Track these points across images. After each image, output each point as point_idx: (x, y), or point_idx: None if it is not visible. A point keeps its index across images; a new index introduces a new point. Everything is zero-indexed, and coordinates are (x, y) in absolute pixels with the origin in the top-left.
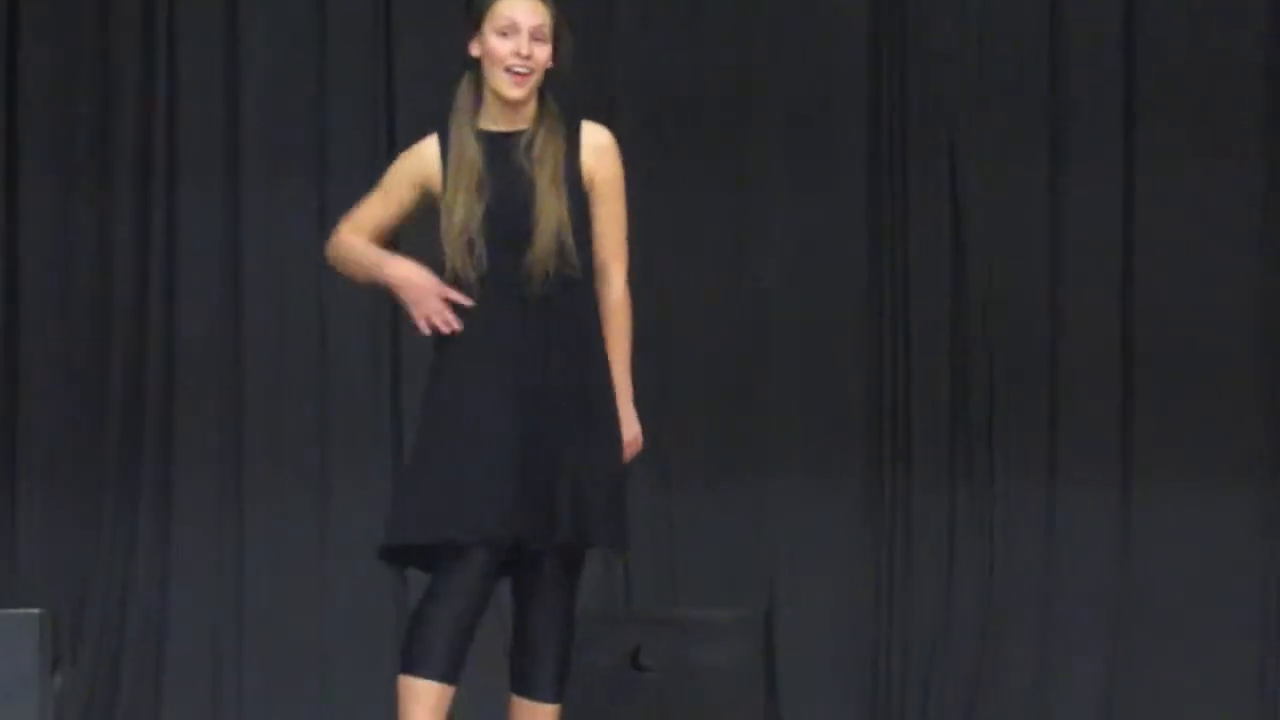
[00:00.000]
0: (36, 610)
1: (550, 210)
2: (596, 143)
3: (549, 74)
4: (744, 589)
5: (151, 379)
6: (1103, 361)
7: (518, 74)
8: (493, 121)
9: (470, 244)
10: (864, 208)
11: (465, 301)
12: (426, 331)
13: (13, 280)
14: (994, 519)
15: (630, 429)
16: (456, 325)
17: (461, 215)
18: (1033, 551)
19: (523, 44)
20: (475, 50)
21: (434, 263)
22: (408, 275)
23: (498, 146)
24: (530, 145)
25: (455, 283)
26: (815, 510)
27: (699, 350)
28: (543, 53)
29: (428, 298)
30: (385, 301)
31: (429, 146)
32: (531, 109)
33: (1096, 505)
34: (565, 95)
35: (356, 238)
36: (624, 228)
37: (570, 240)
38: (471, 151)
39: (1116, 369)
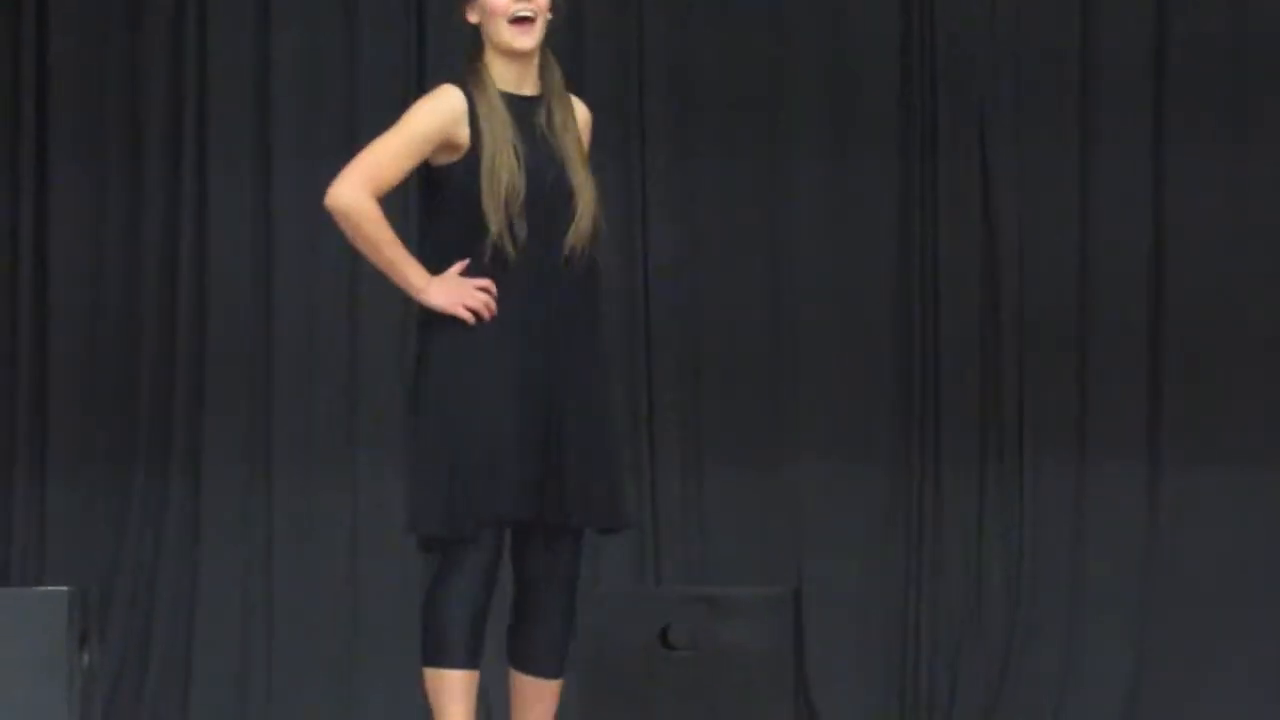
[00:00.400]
0: (65, 588)
1: (587, 189)
2: (584, 120)
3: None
4: (773, 569)
5: (181, 359)
6: (1132, 343)
7: (523, 19)
8: (506, 85)
9: (512, 214)
10: (895, 192)
11: (491, 289)
12: (471, 320)
13: (44, 264)
14: (1023, 500)
15: None
16: (494, 307)
17: (508, 180)
18: (1062, 533)
19: None
20: (473, 16)
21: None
22: (442, 299)
23: (518, 111)
24: (551, 114)
25: (494, 251)
26: (845, 491)
27: (730, 333)
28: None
29: (464, 295)
30: None
31: (455, 99)
32: (537, 67)
33: (1125, 487)
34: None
35: (382, 223)
36: None
37: (602, 220)
38: (501, 112)
39: (1146, 351)
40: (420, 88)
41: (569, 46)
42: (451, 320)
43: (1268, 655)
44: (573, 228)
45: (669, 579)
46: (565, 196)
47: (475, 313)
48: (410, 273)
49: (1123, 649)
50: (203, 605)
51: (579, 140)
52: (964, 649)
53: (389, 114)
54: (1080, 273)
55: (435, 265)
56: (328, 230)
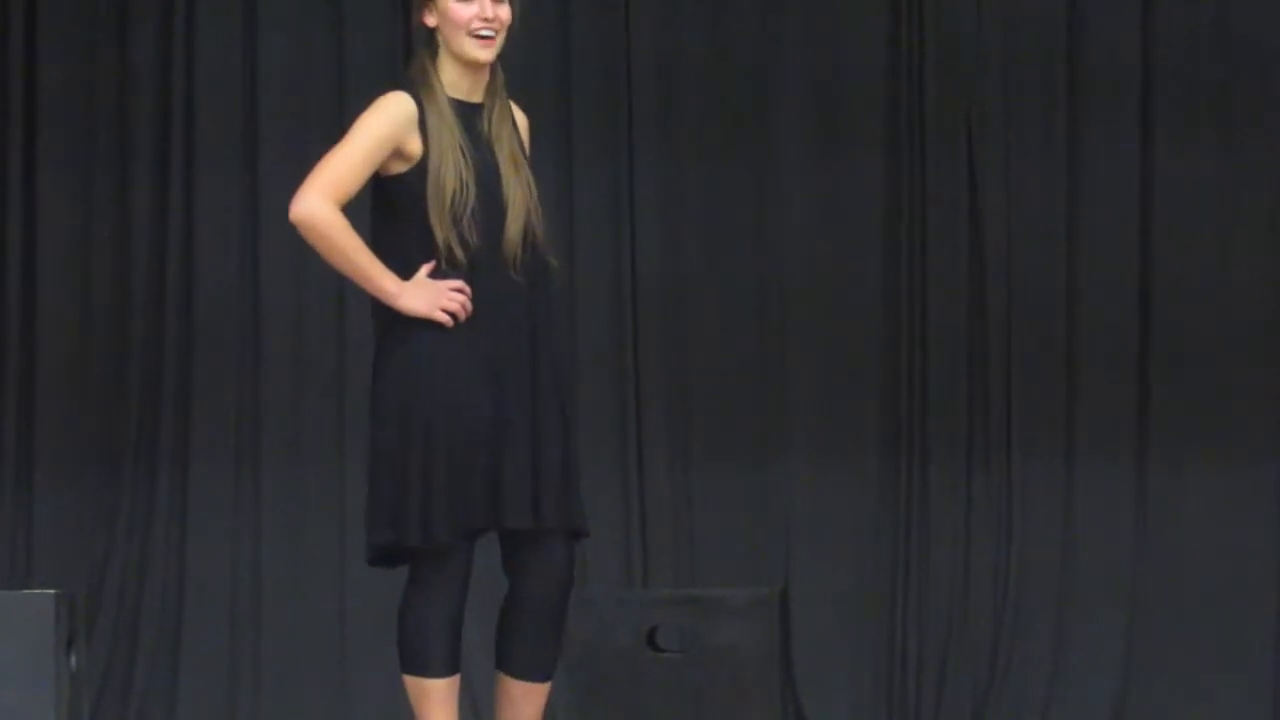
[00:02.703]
0: (52, 590)
1: (518, 195)
2: (525, 124)
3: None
4: (760, 569)
5: (169, 361)
6: (1120, 341)
7: (484, 37)
8: (455, 91)
9: (458, 220)
10: (882, 189)
11: (465, 290)
12: (449, 322)
13: (31, 264)
14: (1010, 499)
15: None
16: (469, 306)
17: (454, 187)
18: (1049, 531)
19: (485, 6)
20: (430, 20)
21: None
22: (418, 304)
23: (465, 118)
24: (491, 121)
25: (448, 259)
26: (832, 491)
27: (717, 335)
28: (505, 12)
29: (439, 299)
30: None
31: (406, 105)
32: (485, 77)
33: (1113, 486)
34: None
35: (349, 231)
36: None
37: (538, 223)
38: (450, 119)
39: (1134, 348)
40: None
41: (556, 46)
42: (407, 326)
43: (1256, 658)
44: (507, 229)
45: (656, 581)
46: (501, 203)
47: (451, 314)
48: (382, 280)
49: (1111, 650)
50: (190, 607)
51: (516, 146)
52: (951, 650)
53: None
54: (1067, 274)
55: (396, 272)
56: None
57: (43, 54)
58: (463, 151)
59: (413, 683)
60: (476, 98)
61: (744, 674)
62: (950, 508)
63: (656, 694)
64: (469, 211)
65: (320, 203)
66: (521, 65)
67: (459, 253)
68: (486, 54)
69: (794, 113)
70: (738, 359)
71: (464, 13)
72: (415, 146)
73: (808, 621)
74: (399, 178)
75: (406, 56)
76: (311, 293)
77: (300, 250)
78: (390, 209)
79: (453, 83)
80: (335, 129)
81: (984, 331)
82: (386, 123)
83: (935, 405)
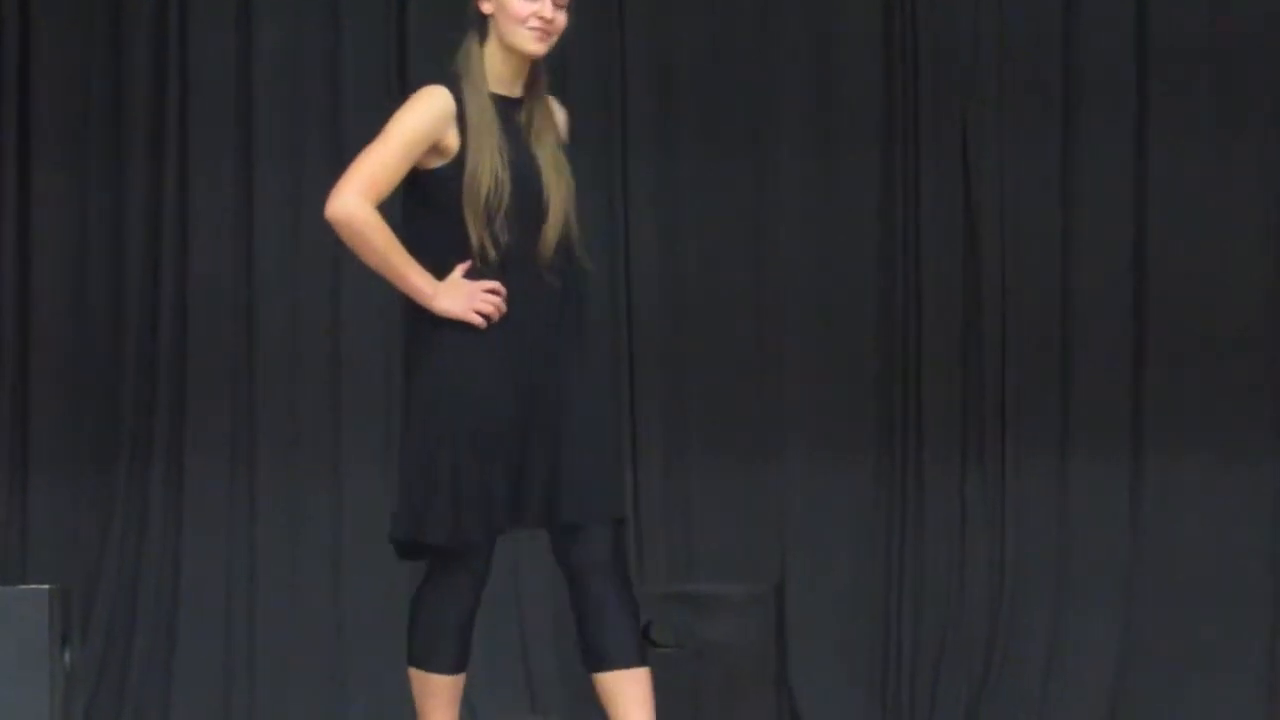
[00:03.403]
0: (46, 586)
1: (558, 195)
2: (564, 119)
3: None
4: (755, 565)
5: (164, 358)
6: (1115, 337)
7: (537, 30)
8: (498, 84)
9: (492, 218)
10: (877, 185)
11: (500, 290)
12: (483, 324)
13: (26, 260)
14: (1005, 497)
15: None
16: (504, 308)
17: (489, 184)
18: (1044, 527)
19: (546, 7)
20: (487, 7)
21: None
22: (452, 306)
23: (505, 113)
24: (531, 117)
25: (481, 257)
26: (827, 486)
27: (712, 330)
28: (563, 19)
29: (474, 300)
30: None
31: (444, 100)
32: (527, 73)
33: (1108, 481)
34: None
35: (384, 229)
36: None
37: (575, 224)
38: (490, 115)
39: (1128, 344)
40: (402, 87)
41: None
42: (438, 326)
43: (1252, 652)
44: (542, 234)
45: (652, 577)
46: (540, 201)
47: (485, 316)
48: (417, 279)
49: (1106, 646)
50: (185, 604)
51: (556, 143)
52: (947, 646)
53: (370, 115)
54: (1062, 271)
55: (430, 270)
56: (309, 229)
57: (36, 50)
58: (500, 149)
59: (418, 676)
60: (516, 92)
61: (739, 670)
62: (945, 504)
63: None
64: (503, 209)
65: (356, 201)
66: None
67: (491, 251)
68: (539, 46)
69: (789, 112)
70: (733, 357)
71: (524, 9)
72: (452, 141)
73: (803, 618)
74: (435, 173)
75: (401, 53)
76: (307, 290)
77: (296, 250)
78: (424, 204)
79: (496, 75)
80: (330, 124)
81: (979, 328)
82: (424, 118)
83: (930, 402)
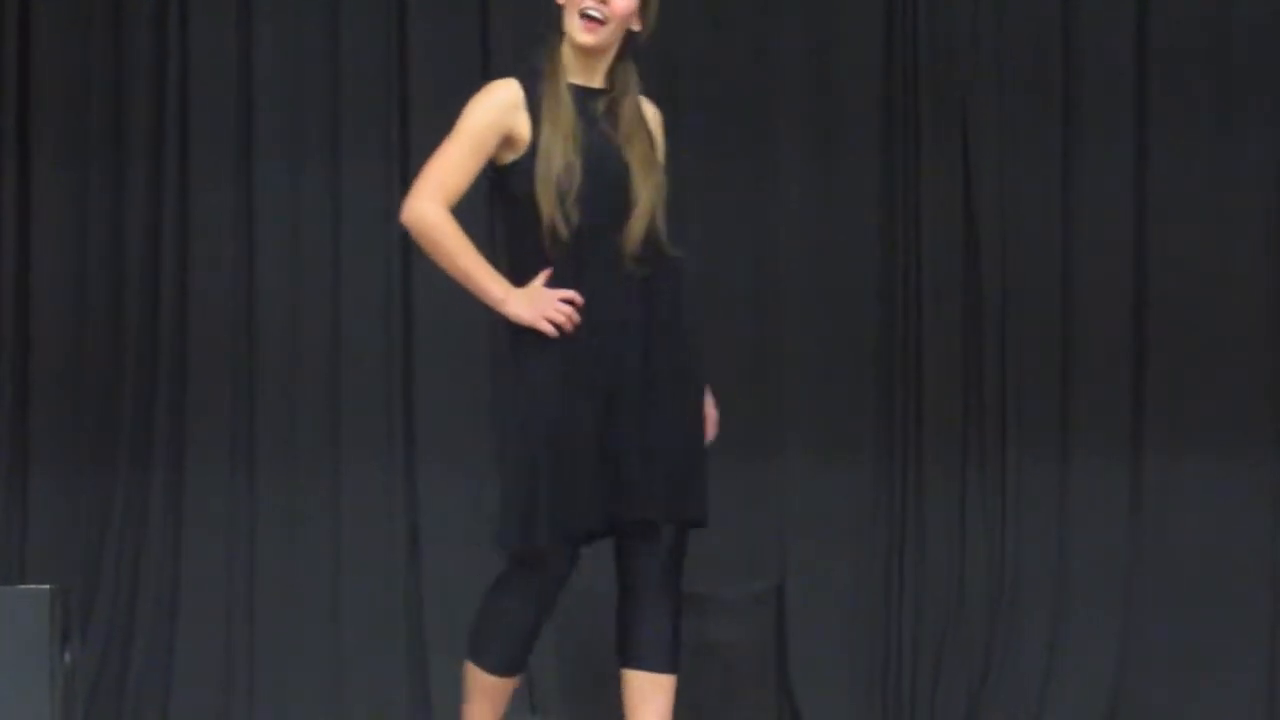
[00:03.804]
0: (47, 586)
1: (645, 194)
2: (655, 126)
3: (631, 37)
4: (756, 565)
5: (163, 357)
6: (1115, 336)
7: (590, 18)
8: (576, 74)
9: (564, 195)
10: (877, 185)
11: (575, 299)
12: (554, 333)
13: (26, 260)
14: (1005, 494)
15: (712, 411)
16: (576, 318)
17: (560, 163)
18: (1045, 527)
19: None
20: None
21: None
22: (523, 311)
23: (582, 102)
24: (613, 112)
25: (551, 235)
26: (828, 486)
27: (712, 330)
28: (622, 4)
29: (545, 308)
30: (399, 280)
31: (511, 91)
32: (607, 68)
33: (1108, 481)
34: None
35: (457, 234)
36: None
37: (662, 224)
38: (563, 102)
39: (1129, 344)
40: (403, 87)
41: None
42: (520, 331)
43: (1252, 651)
44: (630, 223)
45: None
46: (625, 197)
47: (557, 324)
48: (489, 284)
49: (1106, 646)
50: (185, 603)
51: (648, 141)
52: (947, 645)
53: (370, 113)
54: (1063, 267)
55: (512, 271)
56: (310, 229)
57: (36, 50)
58: (573, 135)
59: (472, 670)
60: (597, 83)
61: (740, 670)
62: (945, 504)
63: None
64: (575, 192)
65: (428, 205)
66: (515, 59)
67: (563, 230)
68: (587, 37)
69: (789, 112)
70: (733, 356)
71: None
72: (524, 131)
73: (803, 618)
74: (512, 166)
75: (401, 51)
76: (307, 290)
77: (296, 249)
78: (506, 200)
79: (571, 66)
80: (330, 124)
81: (979, 328)
82: (488, 112)
83: (930, 402)
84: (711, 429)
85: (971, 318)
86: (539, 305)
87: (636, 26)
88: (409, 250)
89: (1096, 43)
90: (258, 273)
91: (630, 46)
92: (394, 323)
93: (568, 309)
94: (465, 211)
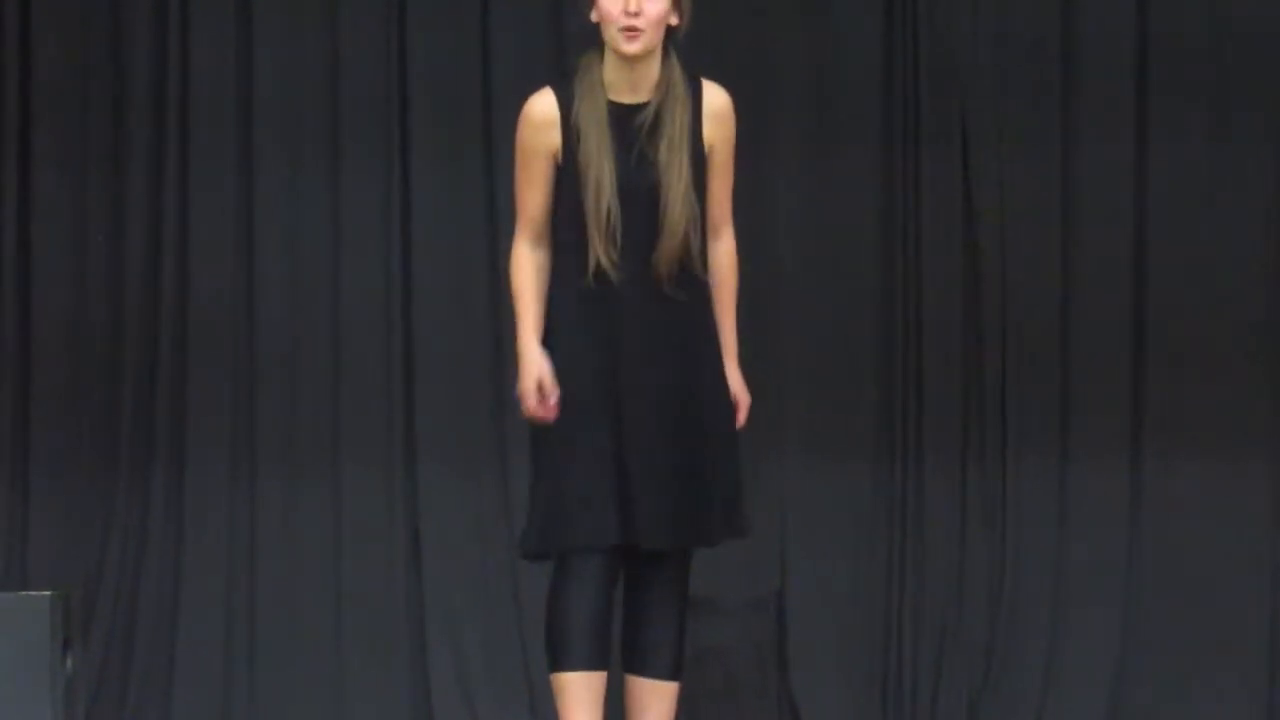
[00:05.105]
0: (48, 592)
1: (678, 206)
2: (717, 110)
3: (670, 32)
4: (756, 568)
5: (164, 364)
6: (1115, 339)
7: (628, 29)
8: (616, 91)
9: (608, 217)
10: (877, 186)
11: (553, 398)
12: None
13: (26, 264)
14: (1005, 497)
15: (743, 395)
16: (549, 420)
17: (593, 199)
18: (1044, 530)
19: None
20: (594, 16)
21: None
22: (520, 380)
23: (620, 121)
24: (655, 125)
25: (597, 267)
26: (827, 489)
27: None
28: (654, 8)
29: (529, 399)
30: (399, 284)
31: (541, 108)
32: (655, 74)
33: (1108, 484)
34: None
35: (523, 275)
36: (731, 186)
37: (696, 241)
38: (599, 124)
39: (1128, 346)
40: (402, 94)
41: (550, 40)
42: (554, 341)
43: (1251, 652)
44: (660, 246)
45: None
46: (655, 215)
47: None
48: (521, 334)
49: (1106, 647)
50: (186, 609)
51: (682, 158)
52: (947, 648)
53: (370, 120)
54: (1063, 270)
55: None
56: (309, 234)
57: (36, 54)
58: (606, 164)
59: (559, 680)
60: (640, 97)
61: (740, 674)
62: (945, 505)
63: None
64: (611, 225)
65: (518, 246)
66: (515, 60)
67: (609, 266)
68: (631, 47)
69: (788, 112)
70: None
71: (612, 9)
72: (557, 145)
73: (803, 620)
74: (558, 177)
75: (401, 59)
76: (307, 295)
77: (296, 255)
78: (556, 208)
79: (611, 82)
80: (329, 129)
81: (978, 329)
82: (525, 134)
83: (930, 403)
84: (743, 411)
85: (971, 320)
86: (528, 390)
87: (674, 21)
88: (409, 254)
89: (1096, 45)
90: (257, 277)
91: (671, 42)
92: (394, 326)
93: (545, 410)
94: None
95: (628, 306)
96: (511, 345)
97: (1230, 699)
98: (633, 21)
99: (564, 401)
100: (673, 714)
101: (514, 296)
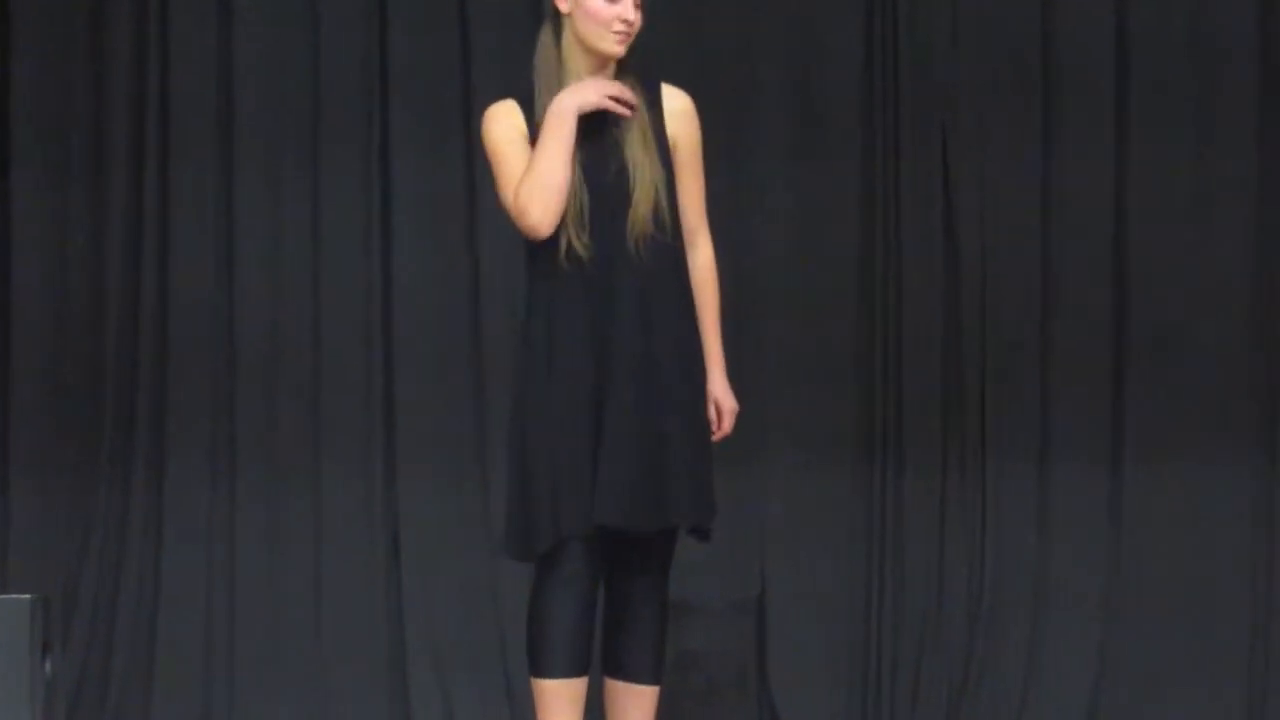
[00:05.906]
0: (28, 596)
1: (645, 172)
2: (678, 108)
3: None
4: (736, 572)
5: (144, 366)
6: (1095, 343)
7: (620, 33)
8: (575, 79)
9: (581, 210)
10: (857, 188)
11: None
12: (625, 111)
13: (5, 265)
14: (985, 502)
15: (728, 400)
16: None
17: (576, 175)
18: (1024, 535)
19: (628, 9)
20: (564, 6)
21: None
22: (570, 103)
23: (582, 116)
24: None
25: (568, 251)
26: (807, 494)
27: None
28: (640, 18)
29: (593, 94)
30: (379, 292)
31: (508, 104)
32: (611, 68)
33: (1088, 489)
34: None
35: (530, 157)
36: (704, 192)
37: (666, 202)
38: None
39: (1109, 350)
40: (383, 91)
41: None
42: (530, 329)
43: (1231, 659)
44: (629, 213)
45: None
46: (624, 188)
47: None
48: (549, 122)
49: (1086, 653)
50: (165, 612)
51: (644, 127)
52: (927, 653)
53: (351, 119)
54: (1042, 276)
55: (535, 267)
56: (291, 238)
57: (15, 61)
58: (579, 161)
59: (534, 685)
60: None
61: (719, 677)
62: (925, 510)
63: None
64: (583, 214)
65: (520, 196)
66: (499, 63)
67: (580, 249)
68: (622, 49)
69: (769, 115)
70: None
71: (607, 11)
72: (524, 128)
73: (783, 625)
74: None
75: (382, 56)
76: (288, 296)
77: (277, 257)
78: None
79: (575, 73)
80: (310, 133)
81: (959, 334)
82: (497, 121)
83: (910, 408)
84: (731, 419)
85: (951, 325)
86: (589, 95)
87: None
88: (389, 256)
89: (1076, 48)
90: (238, 279)
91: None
92: (375, 334)
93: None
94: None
95: (602, 280)
96: (492, 348)
97: (1210, 703)
98: (628, 29)
99: (550, 377)
100: (653, 718)
101: (540, 164)
